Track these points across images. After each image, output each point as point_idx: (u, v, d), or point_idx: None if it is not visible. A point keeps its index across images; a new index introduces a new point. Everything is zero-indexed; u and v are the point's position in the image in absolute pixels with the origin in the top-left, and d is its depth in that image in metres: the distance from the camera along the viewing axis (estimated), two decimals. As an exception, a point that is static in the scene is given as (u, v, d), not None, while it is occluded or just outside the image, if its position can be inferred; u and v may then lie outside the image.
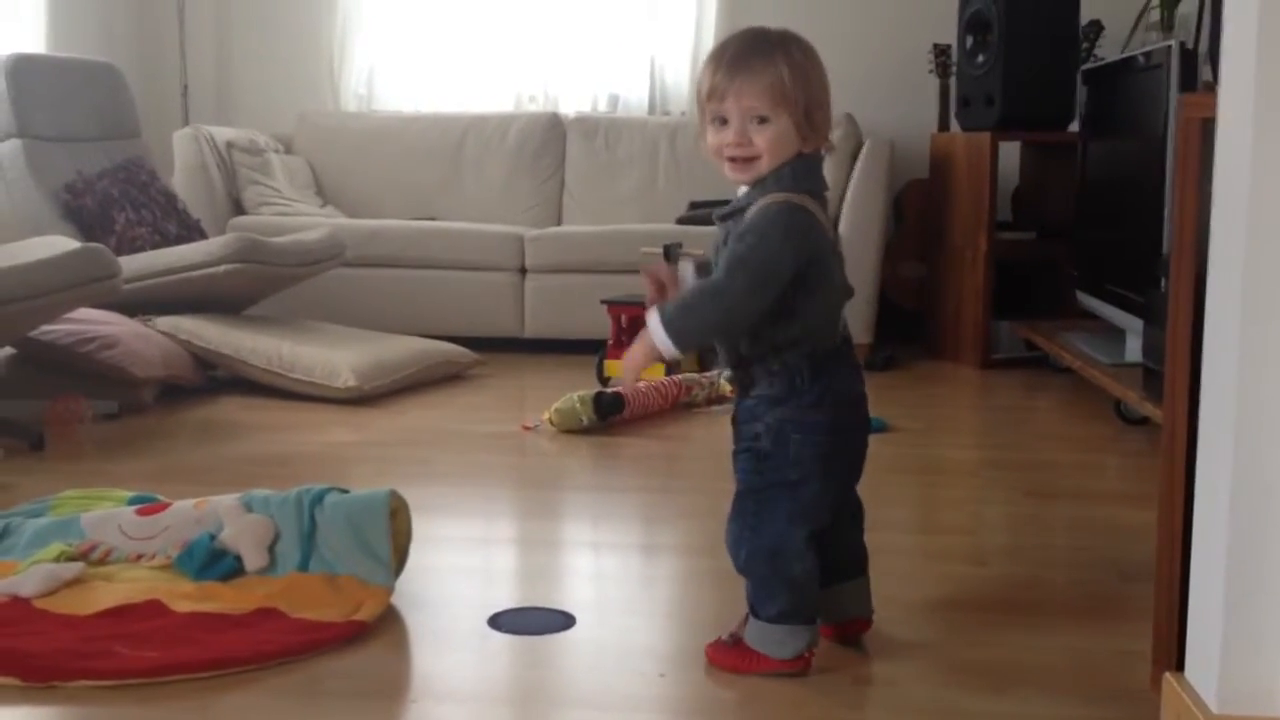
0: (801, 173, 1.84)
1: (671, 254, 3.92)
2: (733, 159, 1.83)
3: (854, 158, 4.78)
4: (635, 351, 1.83)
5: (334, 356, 3.91)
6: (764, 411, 1.85)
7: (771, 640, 1.87)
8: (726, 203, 1.93)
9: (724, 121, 1.83)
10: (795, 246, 1.79)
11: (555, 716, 1.77)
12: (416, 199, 5.32)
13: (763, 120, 1.80)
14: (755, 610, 1.88)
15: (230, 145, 5.16)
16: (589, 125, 5.38)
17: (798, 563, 1.85)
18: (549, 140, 5.37)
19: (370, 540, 2.16)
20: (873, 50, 5.25)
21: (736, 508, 1.89)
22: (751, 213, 1.81)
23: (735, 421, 1.91)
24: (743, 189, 1.87)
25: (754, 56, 1.81)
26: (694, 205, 4.80)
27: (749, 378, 1.87)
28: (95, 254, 3.30)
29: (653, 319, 1.80)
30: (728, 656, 1.89)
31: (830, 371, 1.85)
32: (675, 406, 3.70)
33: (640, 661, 1.94)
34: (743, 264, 1.78)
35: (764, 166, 1.82)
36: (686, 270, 1.94)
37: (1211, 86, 2.02)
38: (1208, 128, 1.64)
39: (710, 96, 1.82)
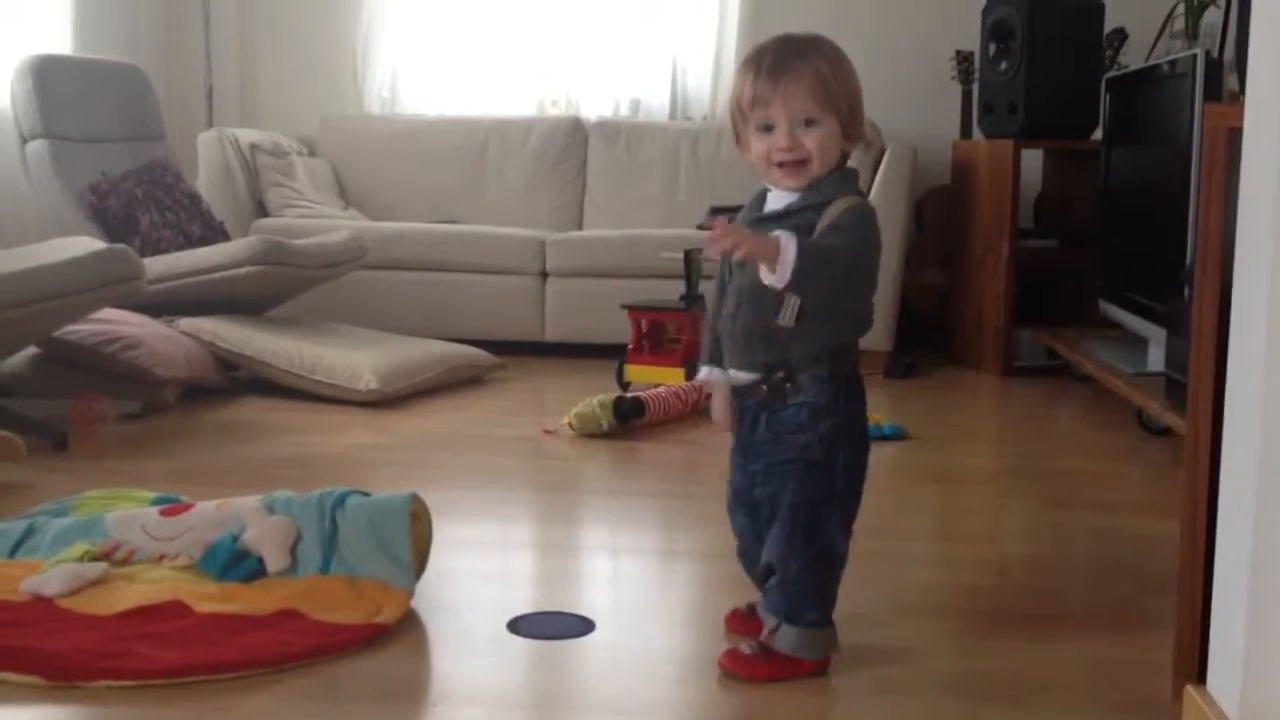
0: (853, 177, 1.88)
1: (694, 260, 3.92)
2: (782, 163, 1.83)
3: (876, 164, 4.78)
4: (753, 240, 1.74)
5: (355, 359, 3.92)
6: (813, 421, 1.84)
7: (808, 645, 1.88)
8: (739, 208, 1.94)
9: (769, 128, 1.83)
10: (879, 250, 1.85)
11: (574, 721, 1.77)
12: (438, 202, 5.34)
13: (810, 122, 1.81)
14: (793, 618, 1.87)
15: (254, 148, 5.18)
16: (610, 130, 5.39)
17: (841, 569, 1.89)
18: (571, 144, 5.38)
19: (391, 543, 2.16)
20: (895, 57, 5.24)
21: (785, 520, 1.86)
22: (839, 210, 1.79)
23: (767, 431, 1.88)
24: (786, 195, 1.85)
25: (795, 60, 1.81)
26: (715, 210, 4.78)
27: (793, 385, 1.85)
28: (120, 255, 3.32)
29: (789, 240, 1.72)
30: (757, 667, 1.87)
31: (860, 379, 1.90)
32: (695, 411, 3.71)
33: (659, 667, 1.93)
34: (854, 254, 1.79)
35: (816, 169, 1.83)
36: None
37: (1237, 95, 2.01)
38: (1233, 137, 1.63)
39: (755, 104, 1.82)
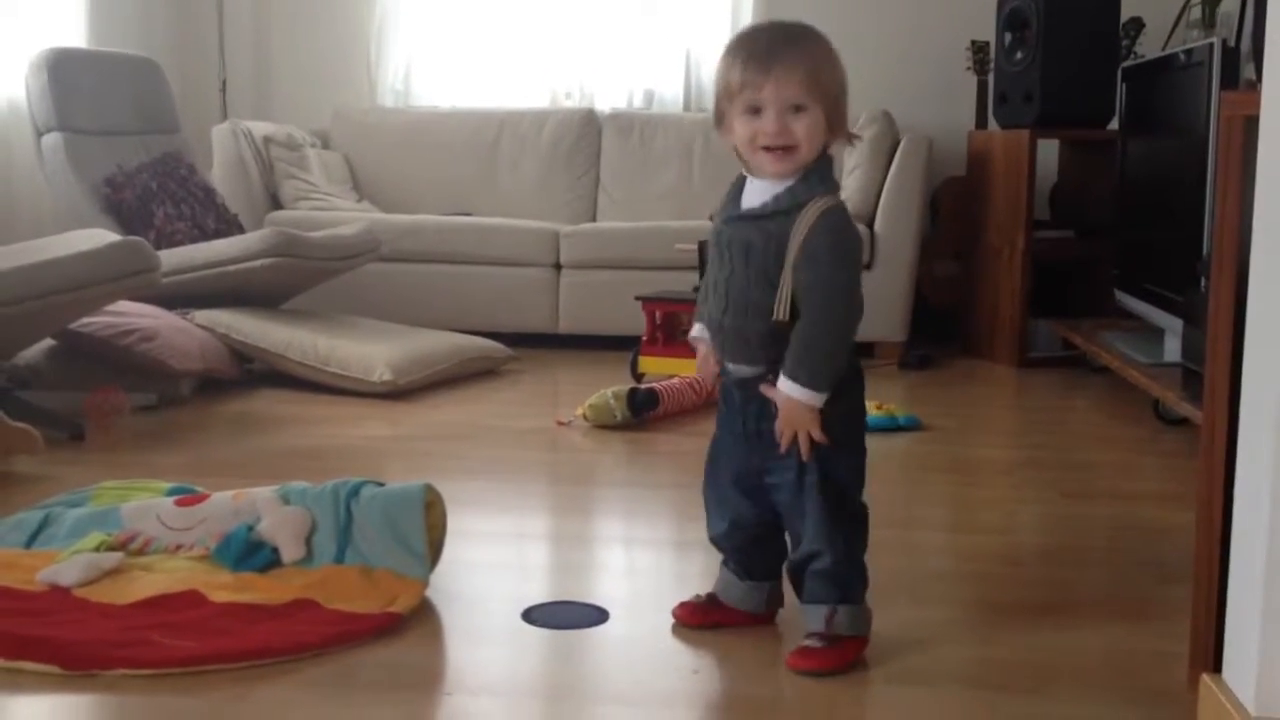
0: (828, 170, 1.87)
1: (708, 252, 3.92)
2: (769, 148, 1.82)
3: (891, 155, 4.77)
4: (795, 419, 1.83)
5: (370, 351, 3.93)
6: (829, 404, 1.84)
7: (863, 620, 1.91)
8: None
9: (756, 111, 1.82)
10: (860, 249, 1.89)
11: (588, 711, 1.77)
12: (452, 194, 5.34)
13: (798, 109, 1.81)
14: (848, 597, 1.88)
15: (268, 140, 5.19)
16: (624, 121, 5.38)
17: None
18: (584, 136, 5.38)
19: (406, 534, 2.17)
20: (910, 46, 5.23)
21: (816, 503, 1.86)
22: (811, 221, 1.80)
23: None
24: (765, 187, 1.85)
25: (787, 46, 1.82)
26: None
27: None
28: (135, 247, 3.33)
29: (786, 386, 1.82)
30: (830, 657, 1.86)
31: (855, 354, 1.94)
32: (709, 403, 3.70)
33: (674, 657, 1.94)
34: (843, 290, 1.82)
35: (804, 156, 1.83)
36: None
37: (1253, 84, 2.00)
38: (1250, 126, 1.62)
39: (744, 86, 1.82)
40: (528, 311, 4.84)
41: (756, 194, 1.87)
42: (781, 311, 1.81)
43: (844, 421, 1.88)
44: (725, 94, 1.85)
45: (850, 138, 1.89)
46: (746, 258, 1.85)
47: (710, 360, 1.97)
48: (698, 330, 2.01)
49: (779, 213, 1.83)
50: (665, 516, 2.79)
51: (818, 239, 1.80)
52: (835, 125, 1.84)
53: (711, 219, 1.99)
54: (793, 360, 1.82)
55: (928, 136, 4.77)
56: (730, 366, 1.92)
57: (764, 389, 1.86)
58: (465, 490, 2.80)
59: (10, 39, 4.61)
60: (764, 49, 1.81)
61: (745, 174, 1.91)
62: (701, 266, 4.07)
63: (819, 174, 1.85)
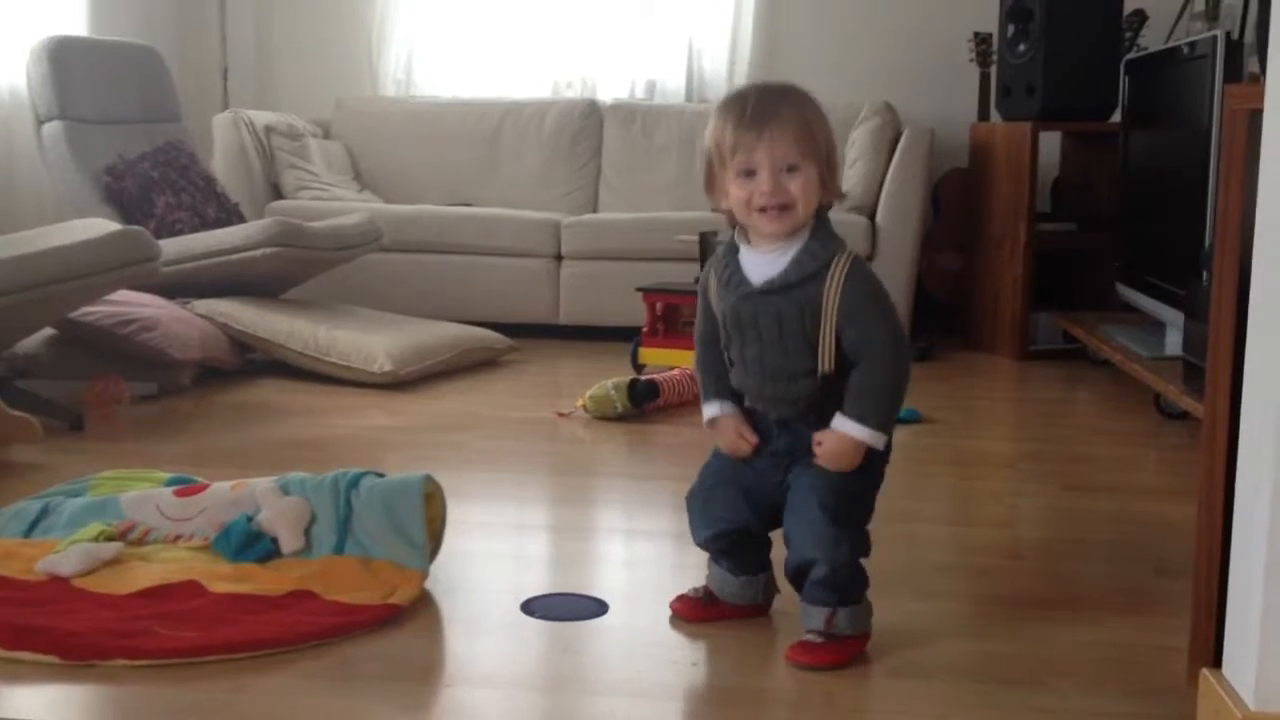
0: (829, 226, 1.87)
1: (709, 243, 3.91)
2: (764, 209, 1.81)
3: (893, 146, 4.76)
4: (847, 458, 1.84)
5: (370, 341, 3.93)
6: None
7: (863, 617, 1.90)
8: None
9: (750, 173, 1.81)
10: (886, 292, 1.89)
11: (588, 703, 1.77)
12: (453, 185, 5.33)
13: (792, 169, 1.81)
14: (846, 599, 1.88)
15: (269, 130, 5.18)
16: (626, 112, 5.37)
17: None
18: (586, 127, 5.37)
19: (405, 524, 2.17)
20: (913, 38, 5.22)
21: (828, 507, 1.85)
22: (841, 278, 1.81)
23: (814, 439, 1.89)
24: (768, 257, 1.85)
25: (778, 106, 1.81)
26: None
27: (836, 402, 1.86)
28: (135, 236, 3.32)
29: (851, 429, 1.83)
30: (830, 653, 1.86)
31: None
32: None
33: (673, 649, 1.94)
34: (895, 335, 1.84)
35: (800, 215, 1.82)
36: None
37: (1257, 77, 1.99)
38: (1253, 119, 1.62)
39: (737, 149, 1.81)
40: (528, 302, 4.84)
41: (765, 265, 1.85)
42: (828, 364, 1.83)
43: (882, 458, 1.90)
44: (717, 157, 1.84)
45: (839, 196, 1.88)
46: (780, 329, 1.84)
47: (742, 439, 1.95)
48: (716, 409, 1.97)
49: (806, 278, 1.82)
50: (665, 508, 2.79)
51: (855, 293, 1.81)
52: (828, 184, 1.84)
53: (703, 287, 1.97)
54: (860, 406, 1.83)
55: (930, 128, 4.76)
56: (772, 415, 1.92)
57: (817, 439, 1.86)
58: (465, 481, 2.80)
59: (11, 27, 4.60)
60: (753, 110, 1.80)
61: (737, 243, 1.89)
62: (703, 258, 4.07)
63: (826, 231, 1.85)
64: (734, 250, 1.90)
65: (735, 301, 1.88)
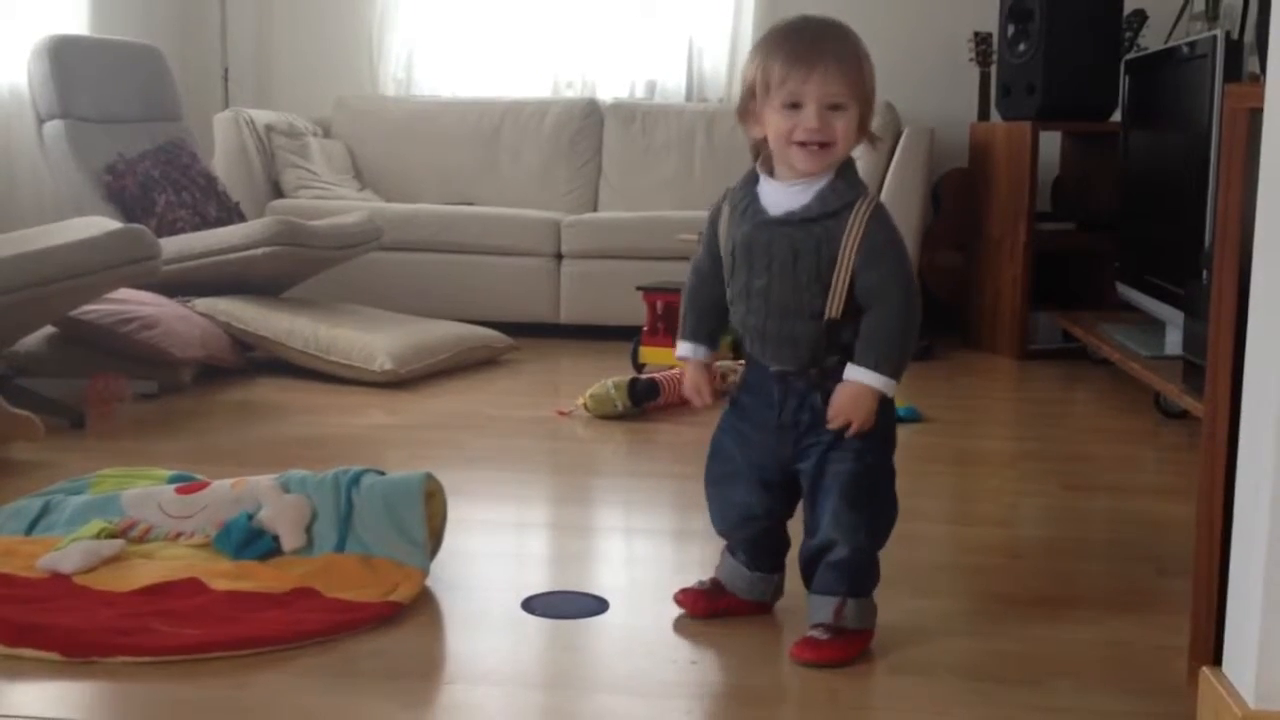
0: (855, 170, 1.88)
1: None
2: (805, 143, 1.81)
3: (893, 146, 4.76)
4: (859, 407, 1.83)
5: (370, 340, 3.93)
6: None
7: (869, 614, 1.90)
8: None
9: (795, 105, 1.81)
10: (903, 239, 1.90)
11: (588, 700, 1.77)
12: (453, 183, 5.34)
13: (837, 107, 1.80)
14: (857, 590, 1.88)
15: (270, 128, 5.19)
16: (626, 111, 5.38)
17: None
18: (586, 126, 5.37)
19: (406, 522, 2.17)
20: (913, 38, 5.22)
21: (848, 491, 1.85)
22: (864, 220, 1.81)
23: (822, 407, 1.87)
24: (790, 190, 1.84)
25: (832, 44, 1.81)
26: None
27: (840, 364, 1.85)
28: (136, 235, 3.32)
29: (863, 375, 1.82)
30: (836, 649, 1.86)
31: None
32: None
33: (673, 647, 1.94)
34: (910, 284, 1.84)
35: (839, 154, 1.82)
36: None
37: (1257, 77, 2.00)
38: (1253, 119, 1.62)
39: (785, 80, 1.80)
40: (529, 301, 4.84)
41: (788, 197, 1.84)
42: (836, 309, 1.82)
43: (885, 413, 1.89)
44: (762, 86, 1.82)
45: (873, 140, 1.89)
46: (795, 261, 1.83)
47: (704, 383, 1.97)
48: (687, 350, 1.99)
49: (827, 215, 1.82)
50: (665, 506, 2.79)
51: (876, 238, 1.81)
52: (866, 127, 1.85)
53: (714, 217, 1.95)
54: (874, 353, 1.82)
55: (930, 128, 4.77)
56: (772, 366, 1.90)
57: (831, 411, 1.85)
58: (465, 479, 2.80)
59: (12, 26, 4.60)
60: (808, 45, 1.80)
61: (759, 173, 1.88)
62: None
63: (853, 173, 1.86)
64: (753, 180, 1.89)
65: (750, 229, 1.86)
